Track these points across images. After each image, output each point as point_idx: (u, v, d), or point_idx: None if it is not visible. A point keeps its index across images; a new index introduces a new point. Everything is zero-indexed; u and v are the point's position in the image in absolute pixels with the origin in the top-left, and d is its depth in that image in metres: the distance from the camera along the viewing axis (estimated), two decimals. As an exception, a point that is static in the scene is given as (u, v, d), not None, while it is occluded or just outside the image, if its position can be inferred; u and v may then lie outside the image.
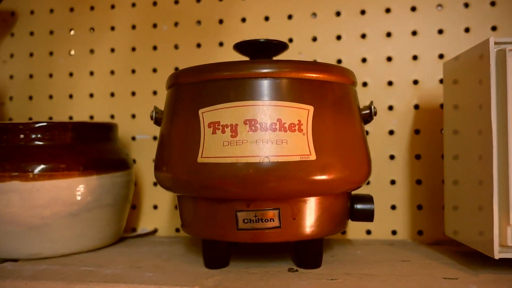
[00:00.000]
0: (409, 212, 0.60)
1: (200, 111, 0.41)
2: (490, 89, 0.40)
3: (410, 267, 0.45)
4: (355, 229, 0.61)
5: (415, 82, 0.60)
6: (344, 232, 0.62)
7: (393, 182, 0.61)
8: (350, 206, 0.47)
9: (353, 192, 0.49)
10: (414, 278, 0.41)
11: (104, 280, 0.42)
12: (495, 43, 0.40)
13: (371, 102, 0.49)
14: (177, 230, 0.65)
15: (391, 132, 0.61)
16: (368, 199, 0.48)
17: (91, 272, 0.44)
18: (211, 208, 0.42)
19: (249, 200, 0.41)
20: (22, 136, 0.50)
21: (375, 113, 0.48)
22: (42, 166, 0.48)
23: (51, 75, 0.69)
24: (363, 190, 0.60)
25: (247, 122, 0.39)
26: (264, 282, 0.40)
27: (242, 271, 0.44)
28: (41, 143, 0.50)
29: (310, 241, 0.44)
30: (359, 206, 0.47)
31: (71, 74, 0.69)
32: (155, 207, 0.66)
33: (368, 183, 0.61)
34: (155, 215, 0.66)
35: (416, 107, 0.60)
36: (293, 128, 0.39)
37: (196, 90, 0.42)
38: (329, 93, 0.42)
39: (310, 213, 0.42)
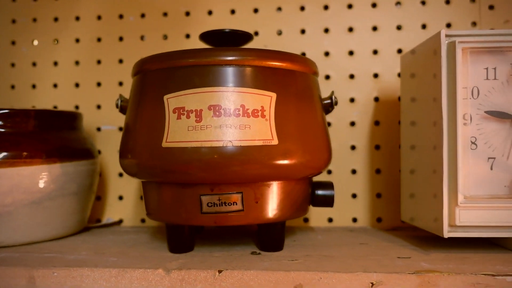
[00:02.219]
0: (369, 200, 0.62)
1: (165, 97, 0.42)
2: (441, 81, 0.42)
3: (367, 249, 0.47)
4: (317, 217, 0.63)
5: (375, 75, 0.63)
6: (306, 220, 0.63)
7: (354, 171, 0.63)
8: (312, 192, 0.49)
9: (314, 179, 0.51)
10: (371, 258, 0.43)
11: (67, 265, 0.42)
12: (446, 36, 0.42)
13: (332, 92, 0.51)
14: (143, 220, 0.66)
15: (353, 123, 0.63)
16: (329, 185, 0.49)
17: (54, 258, 0.44)
18: (175, 193, 0.43)
19: (213, 184, 0.42)
20: (-18, 123, 0.49)
21: (336, 103, 0.50)
22: (3, 154, 0.48)
23: (13, 65, 0.68)
24: (325, 179, 0.62)
25: (212, 107, 0.40)
26: (227, 264, 0.41)
27: (206, 255, 0.45)
28: (2, 130, 0.49)
29: (273, 224, 0.45)
30: (320, 192, 0.49)
31: (34, 64, 0.68)
32: (121, 198, 0.66)
33: (330, 172, 0.63)
34: (121, 206, 0.66)
35: (376, 99, 0.63)
36: (256, 114, 0.41)
37: (162, 76, 0.43)
38: (292, 82, 0.44)
39: (272, 197, 0.43)
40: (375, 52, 0.63)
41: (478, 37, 0.41)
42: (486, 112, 0.42)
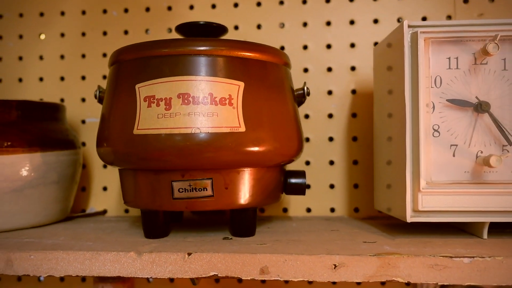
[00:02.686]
0: (346, 190, 0.64)
1: (137, 86, 0.43)
2: (404, 71, 0.43)
3: (336, 234, 0.49)
4: (296, 207, 0.64)
5: (353, 68, 0.64)
6: (285, 210, 0.65)
7: (331, 162, 0.64)
8: (284, 181, 0.50)
9: (287, 168, 0.52)
10: (337, 243, 0.44)
11: (44, 248, 0.43)
12: (409, 26, 0.43)
13: (304, 83, 0.52)
14: (126, 211, 0.67)
15: (330, 116, 0.64)
16: (301, 174, 0.51)
17: (32, 243, 0.46)
18: (148, 179, 0.44)
19: (183, 170, 0.43)
20: (-35, 113, 0.50)
21: (308, 94, 0.52)
22: (-15, 143, 0.49)
23: (0, 59, 0.70)
24: (304, 169, 0.63)
25: (181, 96, 0.42)
26: (197, 247, 0.43)
27: (179, 240, 0.46)
28: (-16, 120, 0.51)
29: (244, 210, 0.47)
30: (292, 180, 0.50)
31: (20, 58, 0.69)
32: (105, 188, 0.68)
33: (308, 163, 0.64)
34: (105, 197, 0.68)
35: (353, 92, 0.64)
36: (223, 102, 0.42)
37: (135, 66, 0.44)
38: (261, 71, 0.45)
39: (242, 184, 0.45)
40: (352, 45, 0.64)
41: (439, 27, 0.43)
42: (448, 100, 0.43)
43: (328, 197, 0.64)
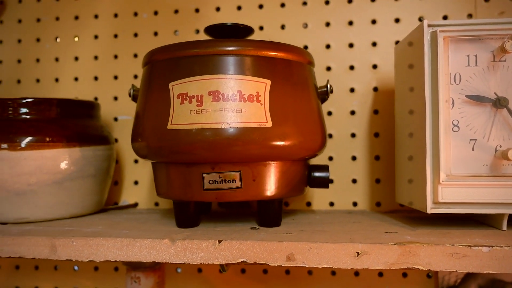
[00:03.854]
0: (368, 185, 0.66)
1: (170, 84, 0.46)
2: (424, 68, 0.45)
3: (359, 226, 0.51)
4: (319, 201, 0.67)
5: (374, 66, 0.66)
6: (309, 204, 0.67)
7: (354, 158, 0.66)
8: (308, 174, 0.53)
9: (311, 163, 0.54)
10: (360, 232, 0.47)
11: (85, 235, 0.47)
12: (428, 26, 0.45)
13: (328, 81, 0.54)
14: (157, 204, 0.70)
15: (352, 112, 0.66)
16: (324, 168, 0.53)
17: (73, 231, 0.49)
18: (180, 172, 0.47)
19: (213, 163, 0.46)
20: (10, 110, 0.54)
21: (331, 91, 0.54)
22: (29, 138, 0.53)
23: (38, 60, 0.74)
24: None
25: (211, 93, 0.45)
26: (226, 236, 0.45)
27: (209, 229, 0.49)
28: (28, 117, 0.55)
29: (270, 201, 0.49)
30: (316, 174, 0.53)
31: (57, 59, 0.74)
32: (136, 182, 0.71)
33: (331, 158, 0.66)
34: (136, 190, 0.71)
35: (375, 89, 0.66)
36: (251, 99, 0.45)
37: (168, 66, 0.47)
38: (286, 70, 0.48)
39: (269, 176, 0.47)
40: (374, 44, 0.66)
41: (458, 26, 0.44)
42: (467, 96, 0.45)
43: (350, 192, 0.66)
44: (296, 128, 0.47)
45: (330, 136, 0.66)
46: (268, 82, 0.46)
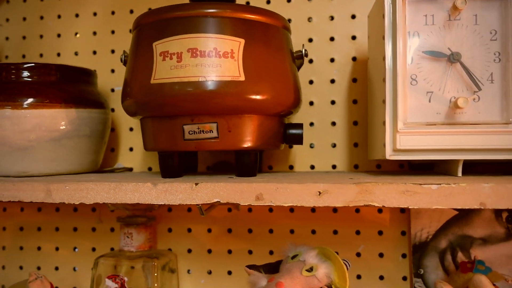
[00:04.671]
0: (347, 149, 0.70)
1: (154, 44, 0.51)
2: (385, 26, 0.49)
3: (328, 176, 0.55)
4: (300, 165, 0.71)
5: (353, 37, 0.70)
6: (291, 167, 0.71)
7: (333, 123, 0.70)
8: (284, 131, 0.57)
9: (287, 121, 0.59)
10: (327, 179, 0.51)
11: (78, 180, 0.52)
12: (389, -12, 0.49)
13: (303, 45, 0.59)
14: (150, 168, 0.75)
15: (332, 81, 0.70)
16: (299, 125, 0.57)
17: (68, 180, 0.54)
18: (164, 125, 0.52)
19: (193, 115, 0.51)
20: (13, 74, 0.60)
21: (306, 55, 0.58)
22: (30, 99, 0.58)
23: (41, 36, 0.79)
24: (308, 131, 0.70)
25: (190, 50, 0.49)
26: (203, 180, 0.50)
27: (190, 179, 0.54)
28: (29, 79, 0.60)
29: (246, 153, 0.54)
30: (291, 131, 0.57)
31: (59, 35, 0.79)
32: (131, 149, 0.76)
33: (312, 124, 0.71)
34: (131, 156, 0.76)
35: (354, 59, 0.70)
36: (226, 55, 0.49)
37: (152, 28, 0.52)
38: (260, 31, 0.52)
39: (244, 128, 0.52)
40: (353, 16, 0.70)
41: (414, -13, 0.48)
42: (424, 52, 0.49)
43: (330, 155, 0.70)
44: (268, 83, 0.51)
45: (312, 103, 0.71)
46: (242, 41, 0.50)
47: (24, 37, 0.80)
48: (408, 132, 0.48)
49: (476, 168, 0.57)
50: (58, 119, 0.59)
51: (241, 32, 0.51)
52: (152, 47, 0.51)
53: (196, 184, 0.48)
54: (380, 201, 0.45)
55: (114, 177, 0.55)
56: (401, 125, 0.48)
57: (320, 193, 0.46)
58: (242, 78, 0.49)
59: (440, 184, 0.44)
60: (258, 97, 0.50)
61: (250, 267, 0.55)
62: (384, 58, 0.54)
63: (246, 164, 0.54)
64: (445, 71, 0.49)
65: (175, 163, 0.55)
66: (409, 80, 0.49)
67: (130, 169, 0.76)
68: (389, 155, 0.49)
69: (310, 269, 0.51)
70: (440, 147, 0.48)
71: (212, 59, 0.49)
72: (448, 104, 0.49)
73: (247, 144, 0.52)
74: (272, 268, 0.56)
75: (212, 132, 0.51)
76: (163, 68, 0.50)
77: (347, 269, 0.53)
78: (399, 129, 0.48)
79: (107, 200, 0.50)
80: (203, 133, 0.51)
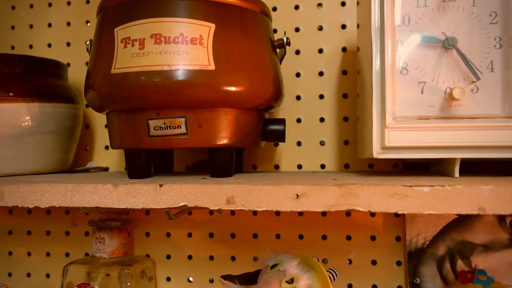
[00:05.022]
0: (336, 147, 0.64)
1: (115, 29, 0.46)
2: (371, 11, 0.44)
3: (310, 177, 0.50)
4: (287, 164, 0.66)
5: (343, 26, 0.65)
6: (277, 167, 0.66)
7: (322, 119, 0.65)
8: (264, 127, 0.52)
9: (269, 117, 0.53)
10: (306, 180, 0.45)
11: (31, 182, 0.47)
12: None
13: (284, 32, 0.54)
14: (126, 168, 0.70)
15: (321, 74, 0.65)
16: (280, 121, 0.52)
17: (22, 181, 0.49)
18: (128, 120, 0.47)
19: (158, 109, 0.45)
20: (-30, 65, 0.55)
21: (288, 43, 0.53)
22: (-13, 93, 0.54)
23: (13, 27, 0.75)
24: (295, 128, 0.64)
25: (153, 36, 0.44)
26: (170, 181, 0.45)
27: (159, 179, 0.49)
28: (-13, 71, 0.55)
29: (221, 151, 0.48)
30: (271, 127, 0.52)
31: (31, 26, 0.74)
32: (107, 147, 0.71)
33: (299, 120, 0.65)
34: (107, 156, 0.71)
35: (344, 49, 0.65)
36: (194, 42, 0.44)
37: (114, 12, 0.47)
38: (234, 16, 0.47)
39: (216, 123, 0.46)
40: (343, 4, 0.65)
41: (404, -37, 0.43)
42: (416, 37, 0.44)
43: (318, 154, 0.65)
44: (243, 73, 0.46)
45: (298, 98, 0.65)
46: (213, 25, 0.45)
47: (-5, 29, 0.75)
48: (398, 127, 0.43)
49: (475, 168, 0.51)
50: (19, 114, 0.55)
51: (211, 16, 0.45)
52: (113, 33, 0.46)
53: (161, 185, 0.43)
54: (366, 205, 0.40)
55: (74, 178, 0.50)
56: (390, 120, 0.43)
57: (298, 196, 0.41)
58: (212, 67, 0.44)
59: (433, 186, 0.39)
60: (231, 88, 0.45)
61: (225, 277, 0.50)
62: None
63: (220, 164, 0.49)
64: (439, 58, 0.44)
65: (142, 162, 0.50)
66: (399, 69, 0.44)
67: (106, 169, 0.71)
68: (377, 153, 0.44)
69: (291, 281, 0.46)
70: (434, 144, 0.43)
71: (178, 46, 0.44)
72: (442, 96, 0.43)
73: (221, 141, 0.47)
74: (250, 279, 0.50)
75: (181, 127, 0.46)
76: (124, 56, 0.45)
77: (333, 279, 0.48)
78: (387, 124, 0.43)
79: (63, 203, 0.45)
80: (170, 128, 0.46)
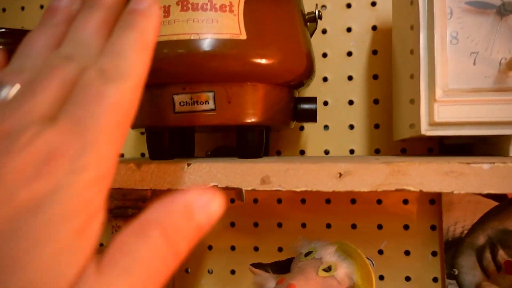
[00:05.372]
0: (366, 131, 0.61)
1: (138, -3, 0.42)
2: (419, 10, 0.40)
3: (348, 158, 0.46)
4: (313, 149, 0.62)
5: (373, 3, 0.61)
6: (302, 152, 0.62)
7: (351, 102, 0.61)
8: (295, 106, 0.48)
9: (299, 95, 0.50)
10: (347, 160, 0.42)
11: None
12: None
13: (316, 5, 0.50)
14: (143, 154, 0.67)
15: (349, 54, 0.61)
16: (312, 99, 0.48)
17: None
18: (151, 95, 0.43)
19: (185, 83, 0.42)
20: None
21: (320, 17, 0.49)
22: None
23: (4, 10, 0.71)
24: (322, 111, 0.61)
25: (180, 2, 0.40)
26: (198, 160, 0.41)
27: (183, 160, 0.45)
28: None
29: (250, 129, 0.45)
30: (303, 106, 0.48)
31: (4, 10, 0.70)
32: (122, 133, 0.68)
33: (326, 103, 0.62)
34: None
35: (374, 28, 0.61)
36: (224, 9, 0.40)
37: (136, -21, 0.43)
38: (266, -17, 0.43)
39: (246, 99, 0.43)
40: (373, -21, 0.61)
41: None
42: (467, 3, 0.40)
43: (347, 138, 0.61)
44: (276, 44, 0.42)
45: (326, 79, 0.62)
46: (244, -8, 0.41)
47: None
48: (449, 101, 0.39)
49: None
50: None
51: (242, -18, 0.42)
52: (136, 1, 0.42)
53: (189, 164, 0.40)
54: (417, 185, 0.36)
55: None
56: (440, 93, 0.39)
57: (341, 174, 0.37)
58: (244, 36, 0.40)
59: (493, 163, 0.35)
60: (263, 60, 0.41)
61: (256, 265, 0.46)
62: (411, 27, 0.45)
63: (249, 143, 0.45)
64: (494, 26, 0.40)
65: (165, 143, 0.46)
66: (448, 39, 0.40)
67: (121, 155, 0.67)
68: (425, 129, 0.40)
69: (328, 269, 0.42)
70: (488, 118, 0.39)
71: (207, 13, 0.40)
72: (497, 67, 0.40)
73: (251, 118, 0.43)
74: (282, 267, 0.47)
75: (208, 103, 0.42)
76: (148, 25, 0.41)
77: (372, 268, 0.45)
78: (437, 98, 0.39)
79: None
80: (197, 104, 0.42)
